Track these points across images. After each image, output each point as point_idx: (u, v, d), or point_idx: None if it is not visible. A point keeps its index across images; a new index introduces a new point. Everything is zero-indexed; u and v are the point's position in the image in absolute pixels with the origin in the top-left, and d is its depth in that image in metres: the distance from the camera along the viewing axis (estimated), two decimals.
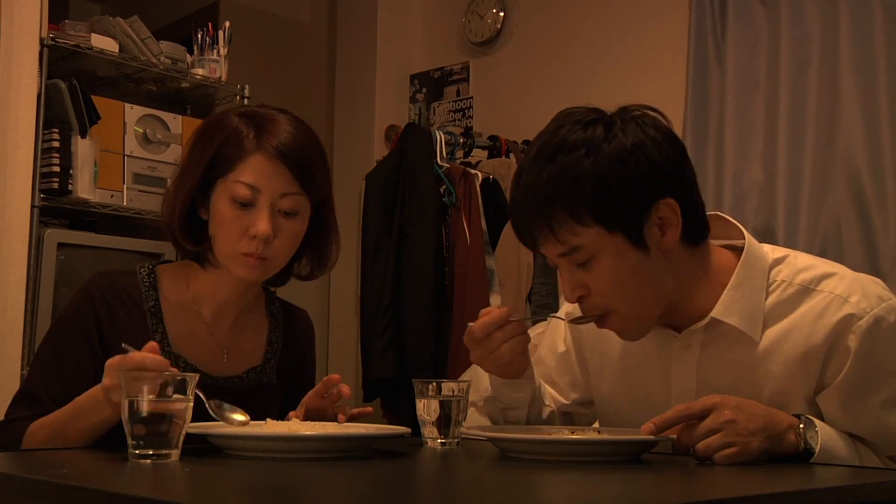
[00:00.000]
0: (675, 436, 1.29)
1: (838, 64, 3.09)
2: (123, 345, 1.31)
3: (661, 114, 1.40)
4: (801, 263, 1.44)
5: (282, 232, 1.50)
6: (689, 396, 1.43)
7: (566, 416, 1.67)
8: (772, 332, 1.41)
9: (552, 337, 1.68)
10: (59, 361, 1.49)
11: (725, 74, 3.34)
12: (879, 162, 3.00)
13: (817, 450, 1.29)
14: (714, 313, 1.41)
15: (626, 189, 1.32)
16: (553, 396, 1.65)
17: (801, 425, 1.31)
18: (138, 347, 1.29)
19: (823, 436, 1.30)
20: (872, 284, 1.41)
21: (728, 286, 1.41)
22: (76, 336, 1.50)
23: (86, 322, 1.50)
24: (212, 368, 1.55)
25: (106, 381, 1.28)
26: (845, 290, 1.39)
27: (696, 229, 1.41)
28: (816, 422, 1.32)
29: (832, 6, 3.12)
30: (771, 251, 1.47)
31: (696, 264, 1.42)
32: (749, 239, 1.46)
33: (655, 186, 1.35)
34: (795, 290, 1.41)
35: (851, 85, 3.06)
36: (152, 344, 1.30)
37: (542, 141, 1.37)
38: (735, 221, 1.50)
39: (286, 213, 1.50)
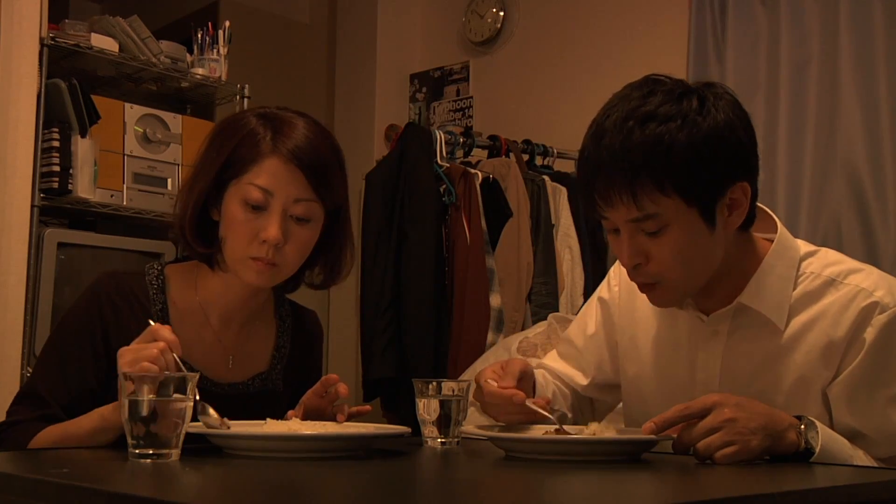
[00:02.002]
0: (675, 435, 1.30)
1: (838, 64, 3.09)
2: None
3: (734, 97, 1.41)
4: (831, 258, 1.46)
5: (293, 238, 1.48)
6: (712, 383, 1.46)
7: (584, 401, 1.69)
8: (797, 322, 1.43)
9: (583, 318, 1.70)
10: (64, 362, 1.48)
11: (725, 74, 3.34)
12: (879, 162, 3.00)
13: (817, 450, 1.29)
14: (741, 298, 1.43)
15: (714, 167, 1.34)
16: (571, 380, 1.68)
17: (802, 425, 1.31)
18: None
19: (824, 436, 1.30)
20: None
21: (756, 272, 1.43)
22: (81, 338, 1.49)
23: (92, 324, 1.49)
24: (217, 375, 1.54)
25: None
26: (872, 284, 1.40)
27: (752, 216, 1.43)
28: (817, 423, 1.32)
29: (832, 6, 3.12)
30: (804, 245, 1.49)
31: (740, 248, 1.44)
32: (782, 230, 1.48)
33: (736, 168, 1.37)
34: (823, 281, 1.43)
35: (851, 84, 3.06)
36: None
37: (631, 106, 1.35)
38: (773, 214, 1.51)
39: (298, 219, 1.48)
